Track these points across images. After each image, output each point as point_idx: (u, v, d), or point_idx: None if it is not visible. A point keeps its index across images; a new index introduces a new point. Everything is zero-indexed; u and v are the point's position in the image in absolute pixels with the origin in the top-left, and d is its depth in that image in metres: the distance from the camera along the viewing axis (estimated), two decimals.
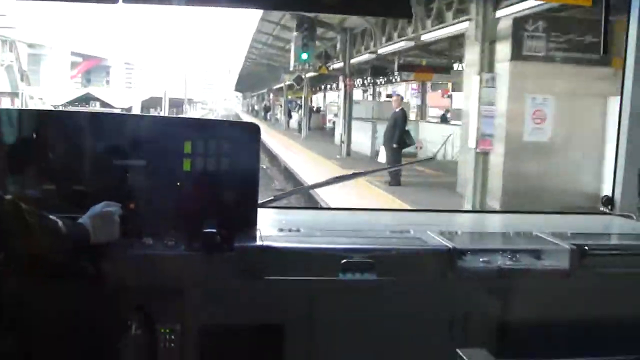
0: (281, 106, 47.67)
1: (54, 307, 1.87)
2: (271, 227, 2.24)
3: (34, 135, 2.12)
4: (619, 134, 2.91)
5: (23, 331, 1.83)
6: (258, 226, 2.17)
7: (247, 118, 55.66)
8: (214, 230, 1.96)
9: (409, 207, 9.30)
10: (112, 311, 1.90)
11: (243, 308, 2.00)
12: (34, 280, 1.80)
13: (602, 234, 2.77)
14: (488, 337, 2.10)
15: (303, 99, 32.80)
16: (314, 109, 41.59)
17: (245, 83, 72.22)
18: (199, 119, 3.00)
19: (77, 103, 46.39)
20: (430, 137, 20.41)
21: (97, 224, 1.86)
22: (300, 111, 34.13)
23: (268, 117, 53.12)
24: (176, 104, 60.42)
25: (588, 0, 5.21)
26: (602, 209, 2.97)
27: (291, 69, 24.53)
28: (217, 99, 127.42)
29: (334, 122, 29.98)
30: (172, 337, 1.97)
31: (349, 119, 20.56)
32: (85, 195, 2.03)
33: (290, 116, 39.91)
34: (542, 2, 8.09)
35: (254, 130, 2.20)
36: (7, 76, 47.83)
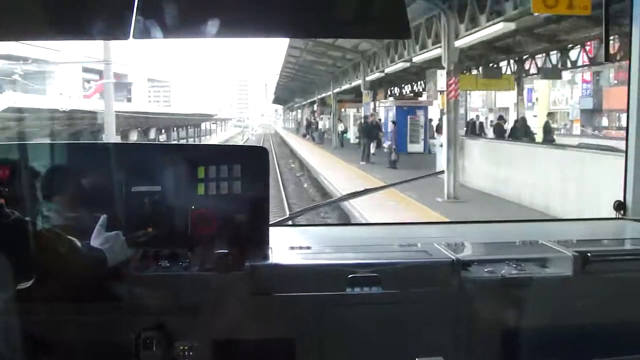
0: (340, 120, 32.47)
1: (78, 329, 1.99)
2: (283, 245, 2.34)
3: (61, 166, 2.29)
4: (627, 139, 2.92)
5: (50, 351, 1.96)
6: (270, 245, 2.28)
7: (304, 147, 32.90)
8: (225, 251, 2.07)
9: None
10: (133, 330, 2.01)
11: (256, 323, 2.09)
12: (60, 303, 1.93)
13: (611, 239, 2.78)
14: (493, 345, 2.15)
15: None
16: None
17: (287, 92, 57.39)
18: (212, 145, 3.12)
19: None
20: None
21: (108, 247, 1.98)
22: None
23: (383, 145, 23.68)
24: (190, 122, 51.63)
25: (587, 10, 5.27)
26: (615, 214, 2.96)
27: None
28: (254, 116, 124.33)
29: None
30: (190, 353, 2.06)
31: None
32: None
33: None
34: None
35: (263, 153, 2.34)
36: None
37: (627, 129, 2.93)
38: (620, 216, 2.91)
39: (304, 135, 46.46)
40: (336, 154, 26.74)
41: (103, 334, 2.01)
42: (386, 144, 22.84)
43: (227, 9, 1.64)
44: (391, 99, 31.55)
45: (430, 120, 25.28)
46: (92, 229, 2.02)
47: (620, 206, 2.92)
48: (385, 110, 25.69)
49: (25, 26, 1.65)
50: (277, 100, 79.74)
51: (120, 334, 2.02)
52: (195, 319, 2.04)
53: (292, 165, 29.35)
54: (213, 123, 69.52)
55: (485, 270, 2.18)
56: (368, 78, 25.24)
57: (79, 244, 1.90)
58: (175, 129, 50.01)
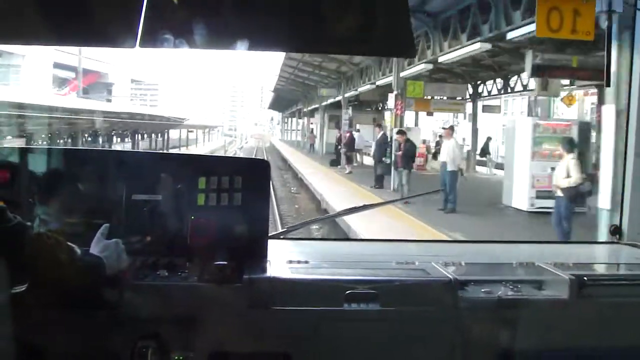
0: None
1: (72, 336, 1.97)
2: (281, 258, 2.34)
3: (61, 172, 2.30)
4: (625, 165, 2.94)
5: (42, 357, 1.94)
6: (268, 258, 2.28)
7: None
8: (224, 263, 2.06)
9: None
10: (129, 339, 2.00)
11: (252, 336, 2.08)
12: (55, 309, 1.91)
13: (607, 263, 2.79)
14: None
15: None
16: None
17: (297, 87, 39.99)
18: (214, 156, 3.14)
19: None
20: None
21: (107, 255, 1.97)
22: None
23: None
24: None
25: (590, 35, 5.28)
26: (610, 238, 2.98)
27: None
28: (246, 124, 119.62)
29: None
30: None
31: None
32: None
33: None
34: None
35: (265, 165, 2.36)
36: None
37: (625, 155, 2.96)
38: (616, 240, 2.93)
39: (334, 163, 26.20)
40: None
41: (98, 342, 2.00)
42: None
43: (233, 22, 1.65)
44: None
45: None
46: (92, 236, 2.02)
47: (616, 230, 2.94)
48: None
49: (30, 30, 1.65)
50: (274, 104, 64.55)
51: (115, 342, 2.01)
52: (192, 329, 2.03)
53: None
54: (190, 131, 52.63)
55: (482, 290, 2.18)
56: None
57: (78, 250, 1.90)
58: (109, 135, 35.56)
